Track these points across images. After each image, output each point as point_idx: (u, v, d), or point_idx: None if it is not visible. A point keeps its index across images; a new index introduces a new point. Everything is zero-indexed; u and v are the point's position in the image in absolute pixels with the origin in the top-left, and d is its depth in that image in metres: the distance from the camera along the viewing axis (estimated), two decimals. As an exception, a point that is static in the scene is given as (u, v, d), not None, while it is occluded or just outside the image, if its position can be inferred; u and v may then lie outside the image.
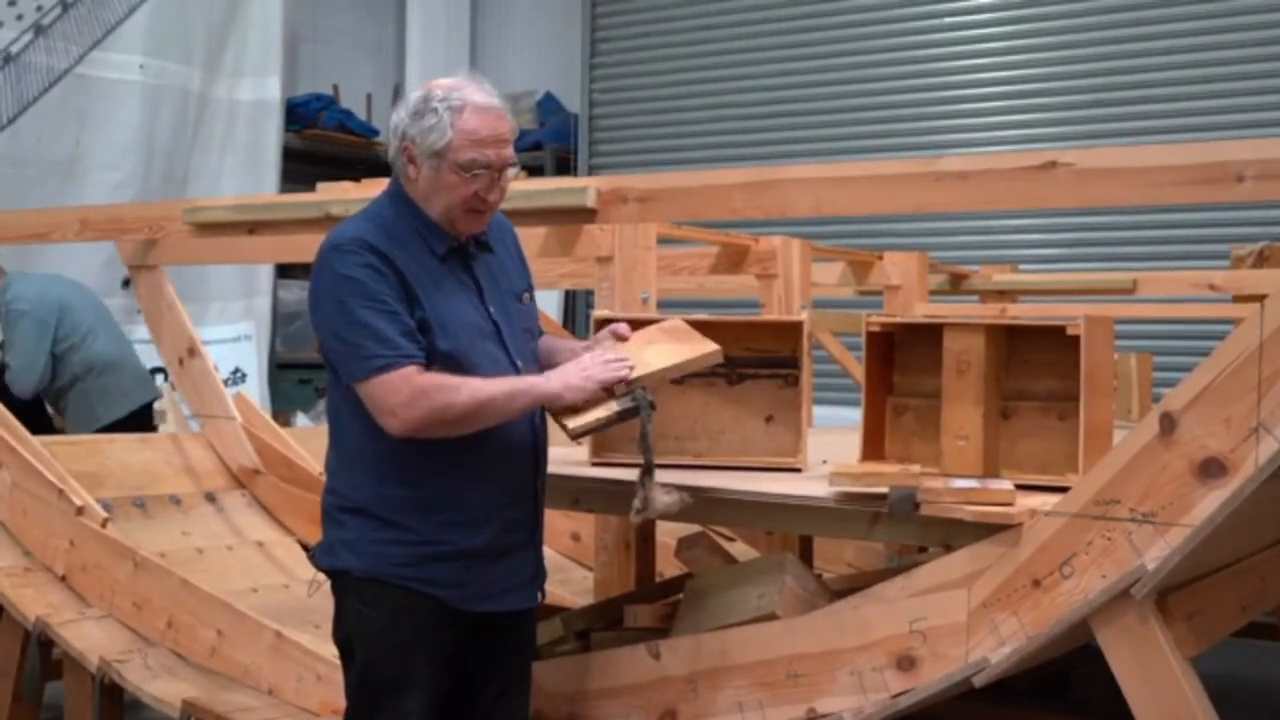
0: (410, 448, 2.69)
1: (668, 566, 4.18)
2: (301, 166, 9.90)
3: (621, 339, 2.92)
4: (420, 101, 2.74)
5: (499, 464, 2.79)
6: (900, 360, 3.17)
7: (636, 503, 2.82)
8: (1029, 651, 2.60)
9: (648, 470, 2.81)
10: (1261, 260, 6.01)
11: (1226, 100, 8.28)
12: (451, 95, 2.72)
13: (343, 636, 2.86)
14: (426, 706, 2.76)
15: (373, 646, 2.77)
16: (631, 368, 2.77)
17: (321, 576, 2.89)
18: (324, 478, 2.90)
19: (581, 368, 2.76)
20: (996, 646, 2.61)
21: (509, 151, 2.78)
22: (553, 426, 2.84)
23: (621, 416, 2.76)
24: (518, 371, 2.80)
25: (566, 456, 3.25)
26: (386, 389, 2.62)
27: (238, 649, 3.85)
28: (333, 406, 2.84)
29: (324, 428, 2.92)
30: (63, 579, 4.35)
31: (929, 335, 3.00)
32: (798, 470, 3.21)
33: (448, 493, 2.73)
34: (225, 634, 3.89)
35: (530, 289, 3.01)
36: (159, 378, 8.16)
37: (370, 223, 2.77)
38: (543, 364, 2.93)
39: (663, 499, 2.81)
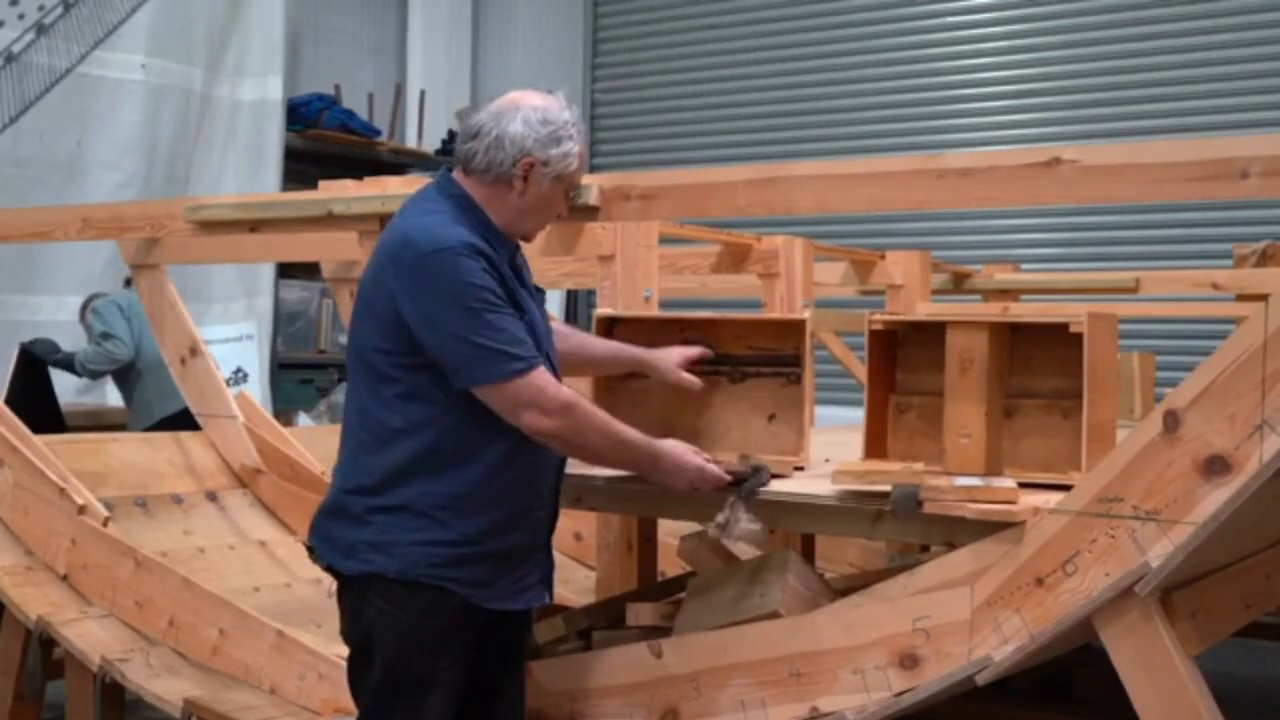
0: (460, 449, 2.70)
1: (670, 566, 4.17)
2: (303, 166, 9.89)
3: None
4: (557, 127, 2.79)
5: (538, 468, 2.82)
6: (903, 358, 3.16)
7: (720, 518, 2.83)
8: (1032, 650, 2.59)
9: (747, 497, 2.84)
10: (1264, 259, 6.00)
11: (1228, 99, 8.29)
12: (570, 123, 2.82)
13: (360, 637, 2.81)
14: (445, 706, 2.76)
15: (398, 646, 2.74)
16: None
17: (328, 577, 2.88)
18: (327, 477, 2.88)
19: (697, 477, 2.88)
20: (999, 645, 2.61)
21: None
22: None
23: (749, 494, 2.86)
24: (552, 367, 2.83)
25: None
26: (532, 389, 2.68)
27: (240, 648, 3.84)
28: (364, 405, 2.78)
29: (327, 427, 2.92)
30: (64, 578, 4.35)
31: (932, 333, 3.00)
32: (800, 468, 3.20)
33: (492, 494, 2.74)
34: (227, 633, 3.88)
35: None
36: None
37: (460, 225, 2.74)
38: (576, 355, 3.15)
39: (747, 525, 2.83)
